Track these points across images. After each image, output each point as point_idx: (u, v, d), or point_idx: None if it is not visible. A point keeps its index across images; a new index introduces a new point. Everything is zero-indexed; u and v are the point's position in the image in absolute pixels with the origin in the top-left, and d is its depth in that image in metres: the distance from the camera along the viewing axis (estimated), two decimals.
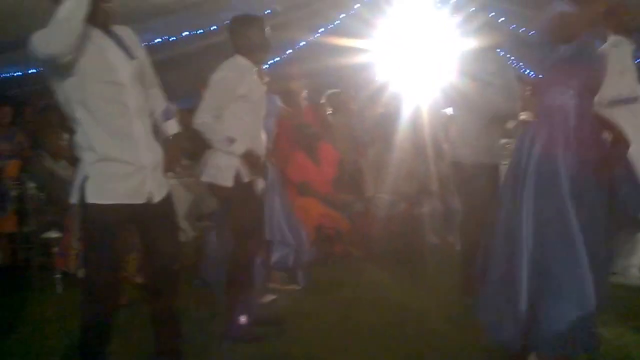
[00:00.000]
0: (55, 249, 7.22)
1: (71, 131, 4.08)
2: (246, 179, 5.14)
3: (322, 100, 9.34)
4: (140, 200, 3.99)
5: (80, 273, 6.59)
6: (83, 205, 3.87)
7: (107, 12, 3.88)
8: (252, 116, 5.23)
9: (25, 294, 7.02)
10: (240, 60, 5.23)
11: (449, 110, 9.13)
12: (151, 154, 4.06)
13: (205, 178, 5.26)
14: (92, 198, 3.85)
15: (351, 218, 8.30)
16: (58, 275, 7.11)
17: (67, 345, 5.23)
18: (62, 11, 3.61)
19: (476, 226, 5.39)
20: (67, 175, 7.98)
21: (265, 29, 5.26)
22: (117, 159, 3.90)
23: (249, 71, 5.21)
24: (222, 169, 5.14)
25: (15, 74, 9.90)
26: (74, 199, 3.91)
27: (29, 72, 9.87)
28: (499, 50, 6.32)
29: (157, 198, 4.08)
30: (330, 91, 9.49)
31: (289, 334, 5.32)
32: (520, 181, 4.05)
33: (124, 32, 4.05)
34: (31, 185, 7.69)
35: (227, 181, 5.11)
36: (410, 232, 7.86)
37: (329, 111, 9.25)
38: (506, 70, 6.17)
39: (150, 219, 4.09)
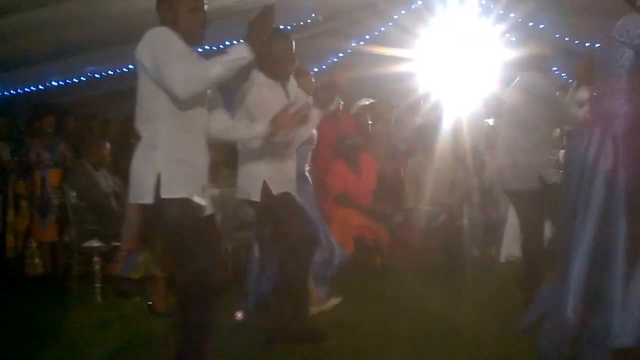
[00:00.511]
0: (96, 259, 7.28)
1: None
2: (275, 191, 5.06)
3: (355, 110, 9.31)
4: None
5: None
6: (160, 202, 3.81)
7: (200, 36, 4.06)
8: None
9: (66, 302, 7.10)
10: (257, 77, 5.19)
11: (491, 121, 9.10)
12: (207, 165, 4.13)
13: (238, 195, 5.27)
14: (167, 193, 3.82)
15: (391, 229, 8.26)
16: (98, 284, 7.19)
17: (107, 353, 5.29)
18: (215, 71, 3.80)
19: (538, 245, 5.62)
20: (107, 185, 8.08)
21: (289, 42, 5.19)
22: (190, 161, 3.94)
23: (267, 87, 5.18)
24: (250, 183, 5.11)
25: (56, 84, 9.98)
26: (145, 198, 3.84)
27: (70, 81, 9.97)
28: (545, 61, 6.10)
29: (207, 211, 4.08)
30: (366, 101, 9.46)
31: (327, 344, 5.27)
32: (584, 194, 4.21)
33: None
34: (72, 194, 7.77)
35: (256, 196, 5.08)
36: (450, 244, 7.79)
37: (369, 121, 9.20)
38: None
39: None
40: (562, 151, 8.17)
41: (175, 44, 3.83)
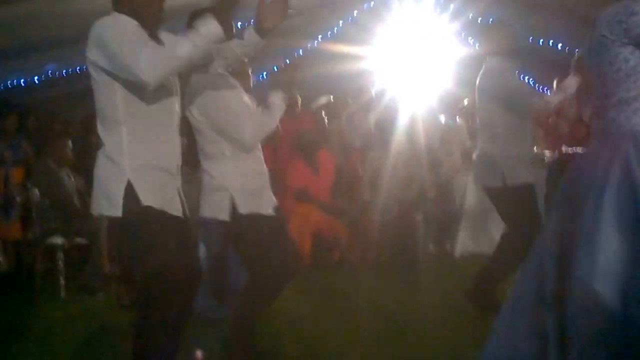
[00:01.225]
0: (60, 255, 7.34)
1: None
2: (243, 210, 4.25)
3: (315, 107, 9.34)
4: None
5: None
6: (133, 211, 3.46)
7: (158, 18, 3.63)
8: None
9: (30, 298, 7.13)
10: None
11: (443, 118, 9.24)
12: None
13: (202, 213, 4.44)
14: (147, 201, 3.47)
15: (349, 224, 8.35)
16: (62, 281, 7.22)
17: (71, 349, 5.30)
18: (183, 49, 3.39)
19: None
20: (70, 183, 8.11)
21: None
22: (161, 166, 3.59)
23: None
24: (216, 200, 4.33)
25: (19, 82, 9.98)
26: (113, 211, 3.47)
27: (33, 80, 9.97)
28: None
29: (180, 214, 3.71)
30: (323, 98, 9.48)
31: (285, 338, 5.35)
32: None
33: (166, 38, 3.69)
34: (35, 192, 7.80)
35: (224, 215, 4.28)
36: (405, 238, 7.91)
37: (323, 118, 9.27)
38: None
39: None
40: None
41: (127, 30, 3.43)
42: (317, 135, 8.59)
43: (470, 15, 10.56)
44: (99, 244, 7.33)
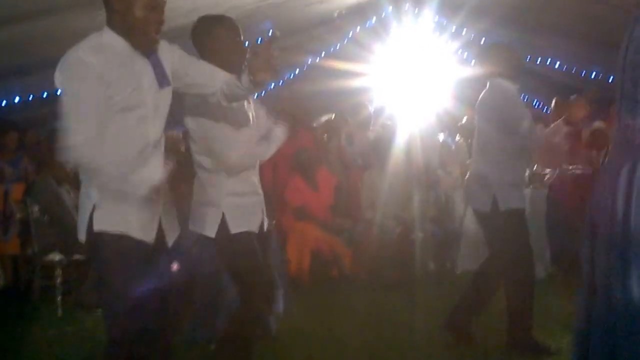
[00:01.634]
0: (58, 271, 7.28)
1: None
2: (234, 230, 4.13)
3: (316, 125, 9.32)
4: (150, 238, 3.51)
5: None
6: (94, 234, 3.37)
7: (153, 40, 3.48)
8: None
9: (27, 315, 7.07)
10: None
11: (441, 136, 9.22)
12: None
13: (192, 226, 4.28)
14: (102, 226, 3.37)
15: (348, 242, 8.30)
16: (59, 297, 7.15)
17: None
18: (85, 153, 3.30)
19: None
20: (70, 199, 8.08)
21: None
22: (132, 191, 3.43)
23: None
24: (207, 215, 4.19)
25: (18, 100, 9.98)
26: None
27: (32, 98, 9.96)
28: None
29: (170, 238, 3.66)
30: (325, 117, 9.47)
31: (284, 355, 5.32)
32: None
33: (166, 51, 3.58)
34: (35, 208, 7.76)
35: (211, 231, 4.15)
36: (406, 257, 7.86)
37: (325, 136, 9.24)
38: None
39: None
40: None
41: (88, 89, 3.26)
42: (317, 153, 8.55)
43: (472, 36, 10.56)
44: None
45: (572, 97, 8.94)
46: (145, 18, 3.39)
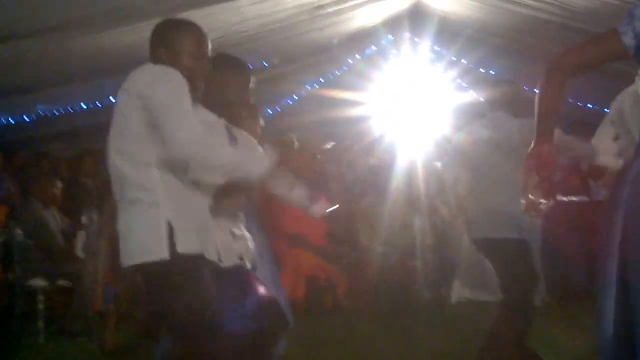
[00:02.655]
0: (40, 297, 6.99)
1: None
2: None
3: (317, 154, 9.25)
4: None
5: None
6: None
7: (198, 89, 3.44)
8: None
9: (8, 342, 6.76)
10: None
11: (440, 164, 9.05)
12: None
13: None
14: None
15: (344, 270, 8.08)
16: (42, 324, 6.88)
17: None
18: (241, 165, 3.36)
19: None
20: (56, 224, 7.84)
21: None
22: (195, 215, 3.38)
23: None
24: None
25: (7, 121, 9.76)
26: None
27: (22, 119, 9.76)
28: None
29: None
30: (327, 145, 9.42)
31: None
32: None
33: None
34: (19, 231, 7.47)
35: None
36: (404, 285, 7.65)
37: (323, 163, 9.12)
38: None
39: None
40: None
41: (186, 96, 3.21)
42: (314, 180, 8.37)
43: (470, 65, 10.50)
44: (84, 287, 6.95)
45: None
46: (192, 68, 3.38)
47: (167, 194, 3.20)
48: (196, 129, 3.13)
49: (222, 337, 3.31)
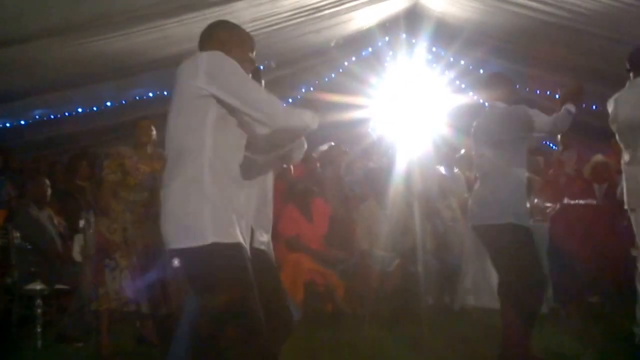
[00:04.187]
0: (38, 302, 6.85)
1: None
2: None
3: (314, 155, 9.12)
4: None
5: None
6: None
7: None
8: None
9: (5, 347, 6.71)
10: None
11: (442, 169, 8.93)
12: None
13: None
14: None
15: (343, 275, 7.89)
16: (39, 329, 6.71)
17: None
18: (303, 121, 3.34)
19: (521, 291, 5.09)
20: (52, 226, 7.71)
21: None
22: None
23: None
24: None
25: (4, 125, 9.66)
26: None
27: (19, 123, 9.65)
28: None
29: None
30: (323, 146, 9.28)
31: None
32: None
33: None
34: (16, 235, 7.36)
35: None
36: (405, 290, 7.49)
37: (319, 165, 9.06)
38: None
39: None
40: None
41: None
42: (311, 183, 8.23)
43: (468, 65, 10.44)
44: (82, 291, 6.81)
45: None
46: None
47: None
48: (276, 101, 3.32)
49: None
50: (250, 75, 3.49)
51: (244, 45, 3.62)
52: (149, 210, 6.30)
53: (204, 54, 3.34)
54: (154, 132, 6.51)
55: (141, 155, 6.46)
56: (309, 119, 3.32)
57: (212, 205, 3.20)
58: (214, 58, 3.29)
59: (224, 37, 3.59)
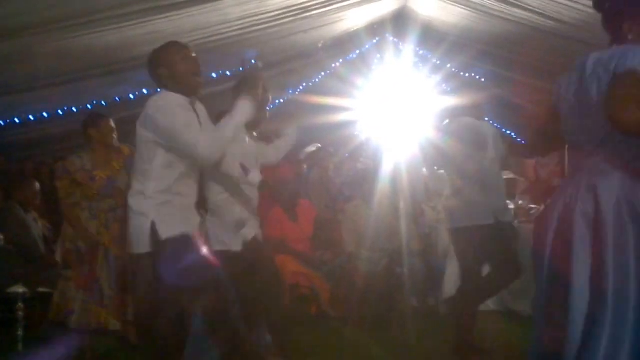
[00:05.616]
0: (20, 305, 6.66)
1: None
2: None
3: (301, 157, 9.02)
4: None
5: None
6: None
7: (197, 85, 4.20)
8: None
9: None
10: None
11: (426, 170, 8.83)
12: None
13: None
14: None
15: (328, 277, 7.80)
16: (21, 332, 6.49)
17: None
18: (230, 130, 4.02)
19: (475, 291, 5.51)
20: (37, 228, 7.57)
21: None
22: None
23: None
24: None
25: None
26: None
27: (9, 121, 9.48)
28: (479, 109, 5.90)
29: None
30: (313, 147, 9.20)
31: None
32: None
33: (201, 109, 4.28)
34: (0, 237, 7.24)
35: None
36: (391, 292, 7.36)
37: (305, 167, 8.97)
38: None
39: None
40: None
41: (186, 113, 3.99)
42: (297, 184, 8.12)
43: (449, 67, 10.37)
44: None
45: None
46: (185, 69, 4.15)
47: None
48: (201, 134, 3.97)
49: None
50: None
51: (187, 62, 4.15)
52: (116, 216, 6.14)
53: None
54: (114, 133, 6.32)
55: (96, 160, 6.22)
56: (229, 134, 4.01)
57: None
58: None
59: (163, 73, 4.16)
